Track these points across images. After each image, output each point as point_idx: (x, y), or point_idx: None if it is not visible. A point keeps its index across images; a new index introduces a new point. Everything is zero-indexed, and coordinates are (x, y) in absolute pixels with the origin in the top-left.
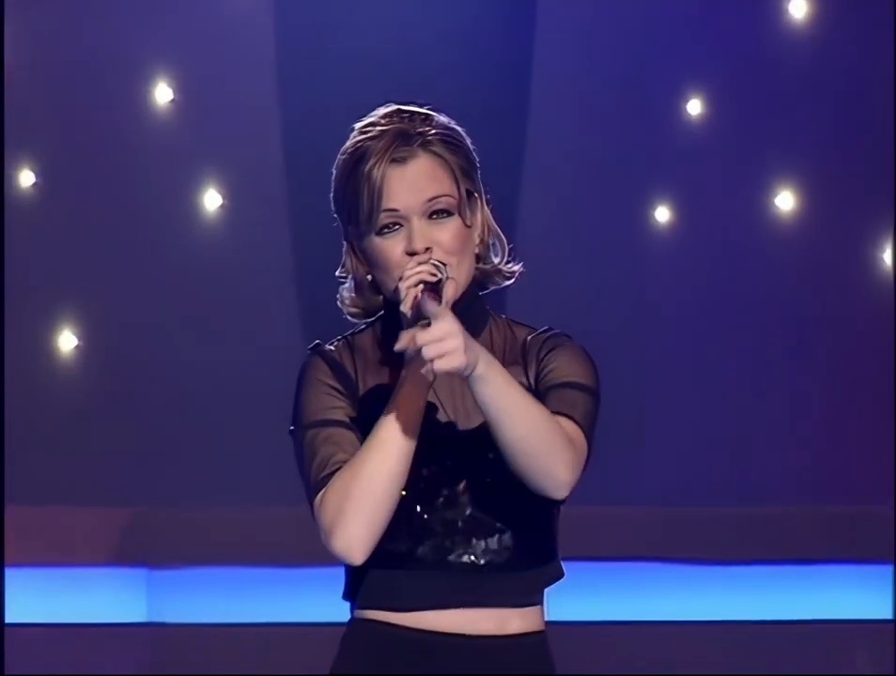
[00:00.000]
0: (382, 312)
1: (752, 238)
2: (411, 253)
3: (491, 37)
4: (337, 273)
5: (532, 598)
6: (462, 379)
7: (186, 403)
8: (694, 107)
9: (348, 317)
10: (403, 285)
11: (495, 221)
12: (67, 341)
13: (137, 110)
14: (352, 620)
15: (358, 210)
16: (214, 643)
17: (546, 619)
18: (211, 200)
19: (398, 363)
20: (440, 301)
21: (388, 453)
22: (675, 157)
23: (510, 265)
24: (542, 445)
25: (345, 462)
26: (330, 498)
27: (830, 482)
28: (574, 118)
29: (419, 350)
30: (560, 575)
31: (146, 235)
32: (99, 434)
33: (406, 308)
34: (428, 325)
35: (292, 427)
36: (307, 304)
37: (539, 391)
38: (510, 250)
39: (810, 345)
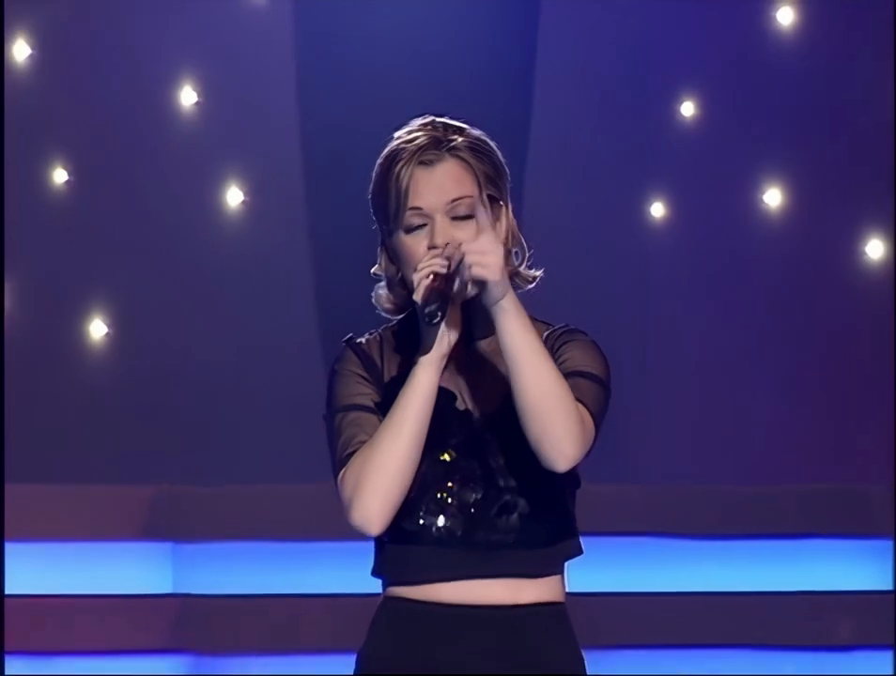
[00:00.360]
0: (411, 313)
1: (742, 232)
2: (433, 249)
3: (497, 45)
4: (372, 271)
5: (546, 570)
6: (479, 367)
7: (208, 387)
8: (687, 109)
9: (382, 313)
10: (416, 276)
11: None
12: (97, 328)
13: (164, 111)
14: (381, 600)
15: (387, 208)
16: (236, 613)
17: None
18: (233, 197)
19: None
20: (450, 292)
21: (401, 431)
22: (670, 156)
23: (531, 271)
24: (555, 404)
25: (365, 442)
26: (349, 474)
27: (833, 461)
28: (575, 120)
29: (433, 329)
30: (577, 552)
31: (172, 229)
32: (127, 416)
33: (418, 296)
34: (436, 313)
35: (325, 413)
36: (322, 294)
37: None
38: (530, 256)
39: (801, 331)
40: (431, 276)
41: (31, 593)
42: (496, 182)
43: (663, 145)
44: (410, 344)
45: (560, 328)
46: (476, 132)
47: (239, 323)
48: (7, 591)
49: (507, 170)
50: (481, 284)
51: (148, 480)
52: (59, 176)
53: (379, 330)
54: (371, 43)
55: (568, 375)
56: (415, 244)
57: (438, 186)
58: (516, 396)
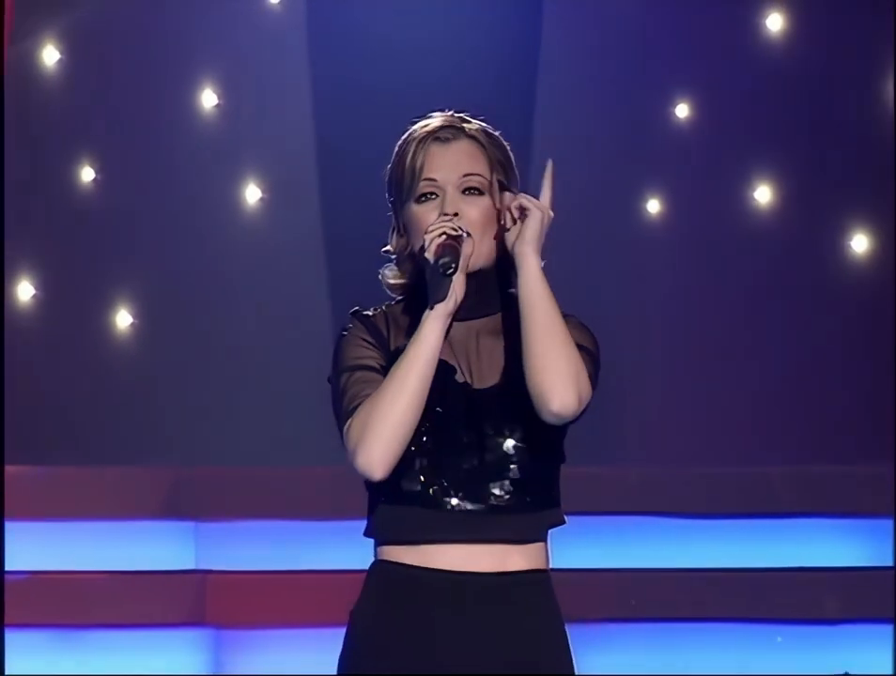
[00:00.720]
0: (414, 289)
1: (733, 227)
2: (443, 216)
3: (502, 50)
4: (383, 250)
5: (531, 536)
6: (478, 343)
7: (229, 373)
8: (682, 111)
9: (387, 291)
10: (428, 237)
11: None
12: (123, 319)
13: (185, 113)
14: (372, 563)
15: (402, 180)
16: (255, 587)
17: (550, 564)
18: (252, 194)
19: None
20: (459, 252)
21: (407, 380)
22: (665, 155)
23: None
24: (561, 344)
25: (369, 397)
26: (355, 423)
27: (835, 443)
28: (576, 122)
29: (442, 288)
30: (560, 521)
31: (194, 225)
32: (152, 401)
33: (429, 254)
34: (450, 264)
35: (330, 375)
36: (336, 284)
37: None
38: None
39: (791, 318)
40: (443, 236)
41: (61, 570)
42: (506, 171)
43: (659, 144)
44: (414, 318)
45: None
46: (491, 129)
47: (258, 313)
48: (39, 568)
49: (516, 170)
50: (520, 217)
51: (172, 462)
52: (87, 174)
53: (383, 307)
54: (380, 46)
55: None
56: (426, 213)
57: (452, 160)
58: (525, 334)
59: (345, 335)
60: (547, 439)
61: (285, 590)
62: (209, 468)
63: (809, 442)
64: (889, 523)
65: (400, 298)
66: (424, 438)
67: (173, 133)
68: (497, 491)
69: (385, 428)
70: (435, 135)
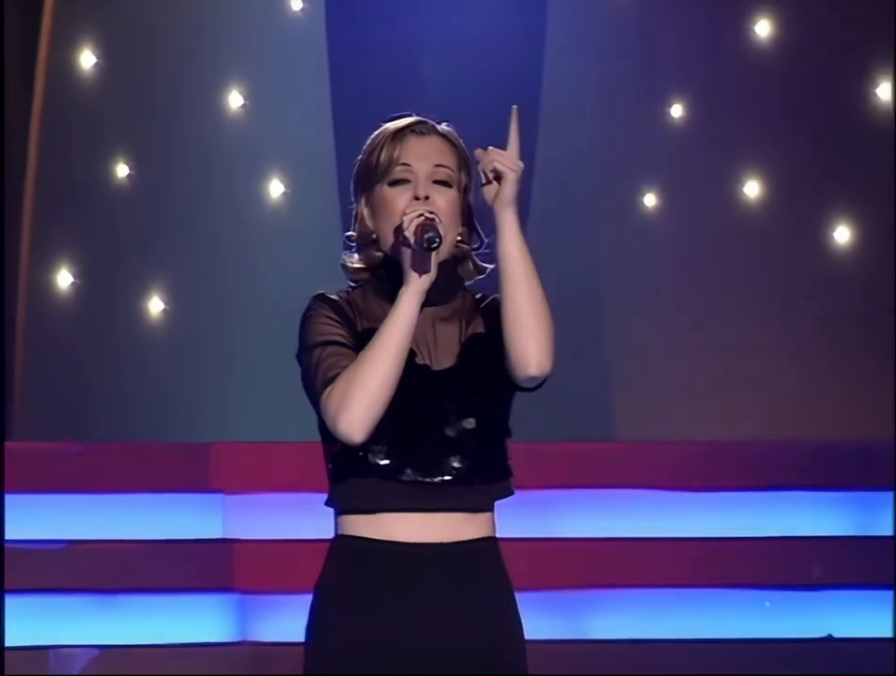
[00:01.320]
0: (375, 275)
1: (724, 219)
2: (415, 199)
3: (510, 58)
4: (346, 235)
5: (483, 506)
6: (435, 329)
7: (254, 355)
8: (676, 111)
9: (347, 276)
10: (407, 218)
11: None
12: (155, 305)
13: (213, 113)
14: (333, 538)
15: (377, 165)
16: (279, 555)
17: (499, 533)
18: (275, 188)
19: (388, 312)
20: (438, 229)
21: (385, 351)
22: (661, 153)
23: (487, 265)
24: (542, 306)
25: (346, 368)
26: (335, 391)
27: (836, 418)
28: (577, 121)
29: (424, 262)
30: (509, 492)
31: (221, 217)
32: (182, 381)
33: (409, 233)
34: (434, 239)
35: (297, 353)
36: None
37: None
38: (487, 243)
39: (780, 304)
40: (421, 217)
41: (99, 538)
42: (469, 170)
43: (654, 142)
44: (379, 302)
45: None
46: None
47: (281, 299)
48: (79, 537)
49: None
50: (495, 180)
51: (202, 437)
52: (121, 170)
53: (344, 293)
54: (394, 49)
55: None
56: (398, 195)
57: (426, 151)
58: (508, 297)
59: (311, 314)
60: (498, 416)
61: (308, 557)
62: (237, 443)
63: (804, 420)
64: (889, 495)
65: (357, 284)
66: (388, 415)
67: (201, 132)
68: (455, 464)
69: (366, 395)
70: (411, 128)
